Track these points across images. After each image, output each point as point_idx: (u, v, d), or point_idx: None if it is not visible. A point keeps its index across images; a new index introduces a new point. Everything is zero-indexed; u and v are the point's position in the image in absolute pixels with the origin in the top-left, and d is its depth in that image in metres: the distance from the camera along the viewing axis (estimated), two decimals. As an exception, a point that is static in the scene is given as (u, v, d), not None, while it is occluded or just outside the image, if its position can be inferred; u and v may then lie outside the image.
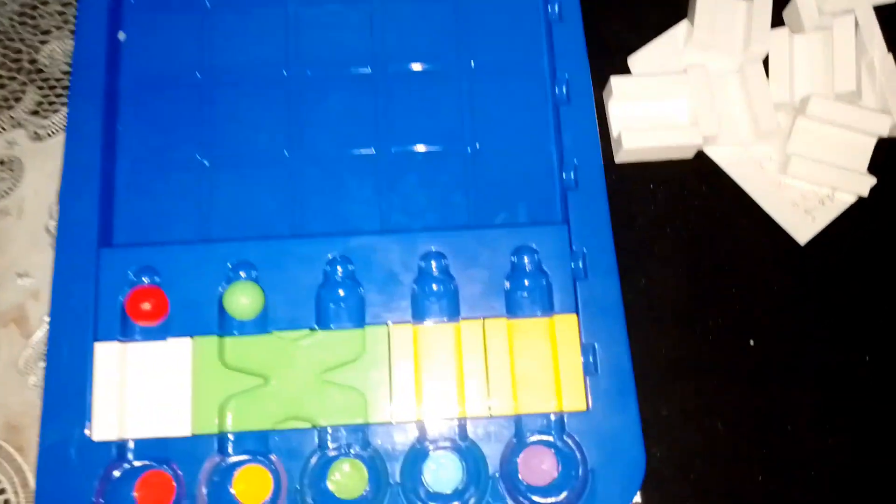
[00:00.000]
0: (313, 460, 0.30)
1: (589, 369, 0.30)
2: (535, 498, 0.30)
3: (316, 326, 0.31)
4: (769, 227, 0.36)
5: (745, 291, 0.35)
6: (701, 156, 0.37)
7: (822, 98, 0.36)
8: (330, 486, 0.30)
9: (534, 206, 0.33)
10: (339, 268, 0.31)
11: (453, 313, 0.31)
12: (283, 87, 0.35)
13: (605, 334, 0.31)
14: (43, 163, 0.37)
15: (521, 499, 0.30)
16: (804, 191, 0.36)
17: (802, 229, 0.36)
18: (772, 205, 0.36)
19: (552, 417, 0.30)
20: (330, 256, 0.31)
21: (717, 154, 0.37)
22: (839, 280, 0.35)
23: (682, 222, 0.36)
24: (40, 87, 0.38)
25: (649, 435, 0.31)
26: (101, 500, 0.29)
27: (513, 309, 0.31)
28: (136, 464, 0.30)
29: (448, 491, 0.30)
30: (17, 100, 0.38)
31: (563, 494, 0.30)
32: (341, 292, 0.31)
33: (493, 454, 0.30)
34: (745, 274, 0.35)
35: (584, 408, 0.30)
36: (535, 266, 0.32)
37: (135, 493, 0.30)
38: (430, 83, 0.35)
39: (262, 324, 0.31)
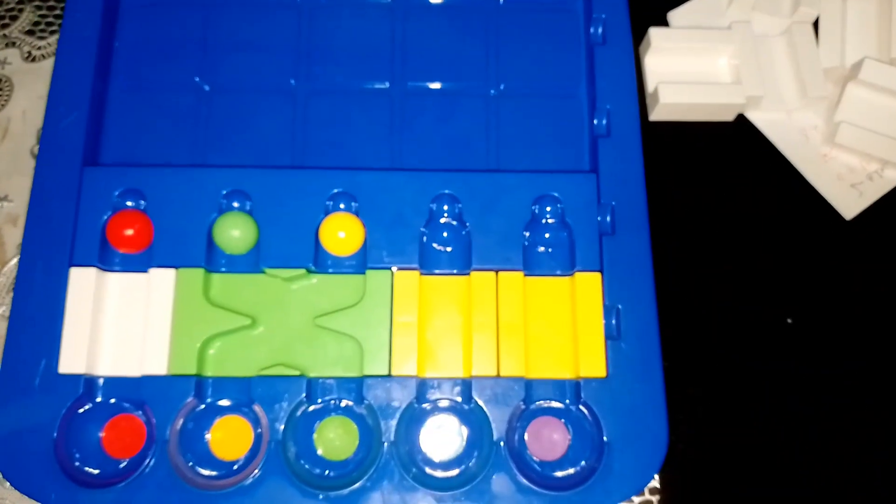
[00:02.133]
0: (300, 413, 0.27)
1: (611, 333, 0.27)
2: (543, 471, 0.27)
3: (313, 267, 0.28)
4: (813, 200, 0.33)
5: (784, 266, 0.32)
6: (742, 120, 0.34)
7: (877, 62, 0.33)
8: (316, 444, 0.27)
9: (560, 154, 0.30)
10: (341, 205, 0.28)
11: (464, 263, 0.28)
12: (294, 10, 0.32)
13: (631, 296, 0.28)
14: (34, 84, 0.34)
15: (527, 470, 0.27)
16: (851, 164, 0.33)
17: (849, 204, 0.33)
18: (816, 177, 0.33)
19: (567, 383, 0.27)
20: (333, 192, 0.28)
21: (759, 119, 0.34)
22: (886, 259, 0.32)
23: (718, 189, 0.33)
24: (38, 7, 0.36)
25: (673, 414, 0.28)
26: (63, 436, 0.26)
27: (530, 263, 0.28)
28: (105, 402, 0.27)
29: (447, 457, 0.27)
30: (14, 18, 0.36)
31: (574, 469, 0.27)
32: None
33: (498, 419, 0.27)
34: (786, 248, 0.32)
35: (602, 374, 0.27)
36: (558, 218, 0.29)
37: (101, 434, 0.27)
38: (453, 16, 0.32)
39: (254, 260, 0.28)
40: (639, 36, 0.34)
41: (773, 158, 0.33)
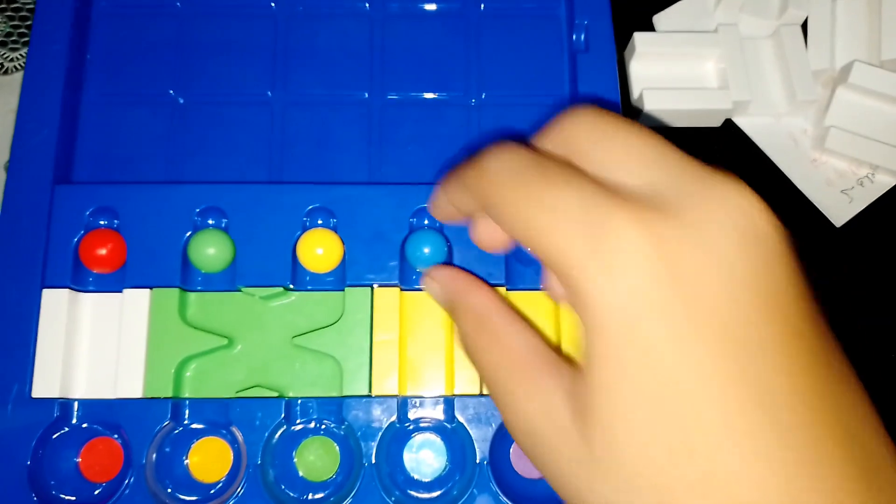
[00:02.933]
0: (278, 435, 0.26)
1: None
2: (528, 491, 0.26)
3: (290, 285, 0.27)
4: (802, 207, 0.32)
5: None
6: (729, 125, 0.33)
7: (867, 65, 0.32)
8: (297, 465, 0.27)
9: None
10: (319, 220, 0.28)
11: (446, 278, 0.28)
12: (271, 20, 0.31)
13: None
14: (7, 97, 0.33)
15: (511, 491, 0.26)
16: (841, 169, 0.33)
17: (838, 210, 0.32)
18: (805, 182, 0.33)
19: (551, 401, 0.27)
20: (310, 207, 0.28)
21: (747, 124, 0.33)
22: (877, 266, 0.31)
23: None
24: (10, 17, 0.35)
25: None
26: (38, 462, 0.26)
27: (514, 279, 0.28)
28: (81, 426, 0.27)
29: (429, 477, 0.27)
30: (-16, 29, 0.35)
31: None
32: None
33: (482, 439, 0.26)
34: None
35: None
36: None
37: (78, 460, 0.27)
38: (433, 24, 0.32)
39: (230, 279, 0.27)
40: (625, 41, 0.33)
41: (762, 164, 0.33)
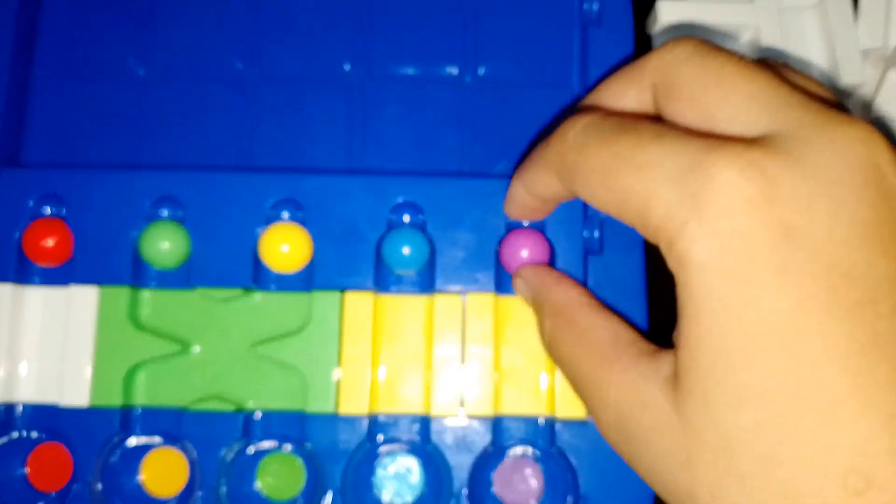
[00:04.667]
0: (236, 452, 0.24)
1: (592, 368, 0.24)
2: (510, 524, 0.24)
3: (252, 285, 0.24)
4: (841, 206, 0.28)
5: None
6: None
7: (928, 45, 0.28)
8: (257, 482, 0.24)
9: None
10: (285, 214, 0.25)
11: (426, 284, 0.25)
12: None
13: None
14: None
15: (492, 524, 0.23)
16: (890, 163, 0.29)
17: (884, 211, 0.28)
18: (847, 177, 0.29)
19: (540, 423, 0.24)
20: (276, 199, 0.25)
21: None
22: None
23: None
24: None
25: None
26: (-24, 475, 0.24)
27: (504, 284, 0.25)
28: (25, 434, 0.24)
29: (402, 502, 0.24)
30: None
31: (545, 523, 0.23)
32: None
33: (461, 465, 0.24)
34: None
35: (582, 416, 0.23)
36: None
37: (25, 469, 0.25)
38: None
39: (186, 277, 0.25)
40: (646, 10, 0.29)
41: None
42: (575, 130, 0.18)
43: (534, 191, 0.21)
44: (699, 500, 0.15)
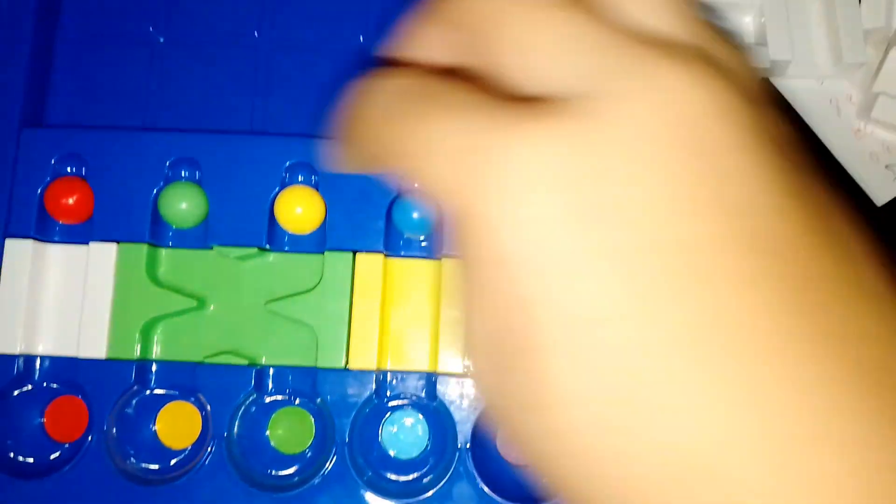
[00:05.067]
0: (248, 405, 0.25)
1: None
2: (511, 480, 0.24)
3: (266, 245, 0.25)
4: (842, 181, 0.29)
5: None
6: (767, 86, 0.30)
7: (929, 25, 0.28)
8: (269, 436, 0.25)
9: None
10: (300, 177, 0.25)
11: (435, 248, 0.25)
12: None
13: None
14: (-12, 30, 0.31)
15: (495, 480, 0.24)
16: (888, 142, 0.29)
17: (881, 187, 0.29)
18: (847, 154, 0.29)
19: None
20: (290, 162, 0.25)
21: (785, 86, 0.30)
22: (921, 253, 0.28)
23: (731, 165, 0.29)
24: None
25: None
26: (-3, 423, 0.24)
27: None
28: (43, 385, 0.25)
29: (406, 458, 0.25)
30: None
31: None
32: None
33: (465, 421, 0.24)
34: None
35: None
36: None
37: (42, 419, 0.25)
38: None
39: (202, 236, 0.25)
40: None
41: (801, 132, 0.30)
42: (371, 95, 0.15)
43: (347, 160, 0.18)
44: None
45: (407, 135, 0.14)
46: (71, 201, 0.25)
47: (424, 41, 0.16)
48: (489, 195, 0.12)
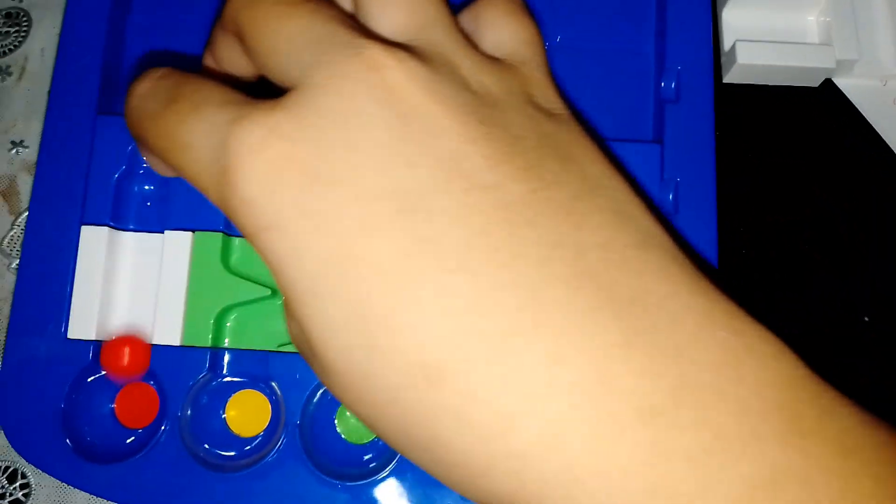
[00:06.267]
0: (320, 393, 0.25)
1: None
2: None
3: (339, 236, 0.25)
4: (905, 181, 0.29)
5: (867, 259, 0.28)
6: (829, 86, 0.30)
7: None
8: (337, 424, 0.25)
9: (619, 120, 0.27)
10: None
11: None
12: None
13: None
14: (55, 19, 0.32)
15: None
16: (953, 143, 0.29)
17: (946, 188, 0.29)
18: (911, 154, 0.29)
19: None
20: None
21: (849, 86, 0.30)
22: None
23: (797, 164, 0.29)
24: (59, -65, 0.33)
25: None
26: (72, 406, 0.25)
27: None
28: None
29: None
30: (33, -54, 0.33)
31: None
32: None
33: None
34: (871, 239, 0.28)
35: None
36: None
37: (113, 405, 0.26)
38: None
39: (277, 225, 0.26)
40: (717, -15, 0.30)
41: (862, 132, 0.30)
42: (136, 96, 0.18)
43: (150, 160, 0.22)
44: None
45: (161, 134, 0.17)
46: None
47: (215, 47, 0.20)
48: (233, 180, 0.15)
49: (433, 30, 0.17)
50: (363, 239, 0.14)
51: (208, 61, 0.21)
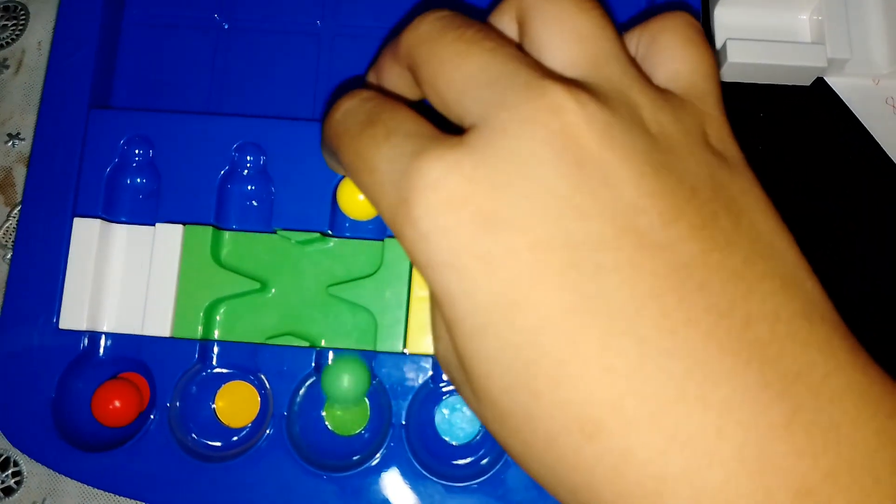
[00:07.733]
0: (307, 385, 0.25)
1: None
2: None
3: (329, 231, 0.26)
4: (895, 180, 0.29)
5: (860, 258, 0.28)
6: (821, 84, 0.30)
7: None
8: (325, 417, 0.25)
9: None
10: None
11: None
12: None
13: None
14: (52, 13, 0.32)
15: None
16: (944, 143, 0.29)
17: (936, 188, 0.29)
18: (901, 154, 0.29)
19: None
20: (354, 148, 0.26)
21: (840, 85, 0.30)
22: (975, 254, 0.28)
23: (789, 163, 0.29)
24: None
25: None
26: (62, 395, 0.25)
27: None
28: (107, 362, 0.26)
29: (461, 441, 0.25)
30: (31, -60, 0.33)
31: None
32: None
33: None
34: (864, 238, 0.28)
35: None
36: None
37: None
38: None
39: (266, 219, 0.26)
40: (710, -17, 0.30)
41: (853, 131, 0.30)
42: (341, 112, 0.18)
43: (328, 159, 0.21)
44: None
45: (353, 152, 0.17)
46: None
47: (383, 73, 0.19)
48: (411, 213, 0.15)
49: (608, 65, 0.16)
50: (532, 288, 0.14)
51: (371, 79, 0.20)
